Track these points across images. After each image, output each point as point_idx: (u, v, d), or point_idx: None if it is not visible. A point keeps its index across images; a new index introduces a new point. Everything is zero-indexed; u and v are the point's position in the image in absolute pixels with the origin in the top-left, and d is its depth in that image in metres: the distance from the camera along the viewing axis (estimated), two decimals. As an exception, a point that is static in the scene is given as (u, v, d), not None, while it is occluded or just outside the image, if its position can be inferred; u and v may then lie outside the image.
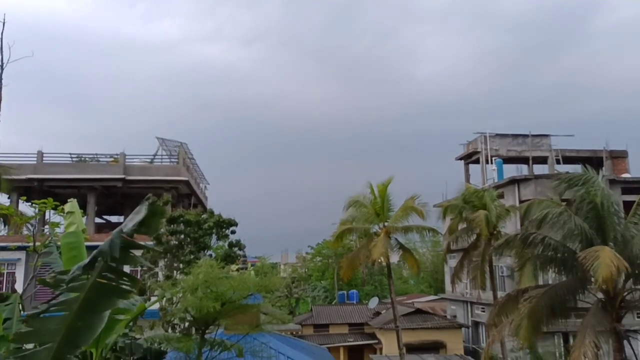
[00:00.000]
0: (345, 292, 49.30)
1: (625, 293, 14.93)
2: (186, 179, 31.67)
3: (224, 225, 26.59)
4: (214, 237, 26.39)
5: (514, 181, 30.32)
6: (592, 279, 12.91)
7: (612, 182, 27.06)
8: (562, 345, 23.89)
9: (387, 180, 27.57)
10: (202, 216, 26.34)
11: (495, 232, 25.66)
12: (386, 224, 27.22)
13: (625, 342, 14.90)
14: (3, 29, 9.90)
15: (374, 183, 27.71)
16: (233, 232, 27.20)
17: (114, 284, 5.03)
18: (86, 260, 4.76)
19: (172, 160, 33.13)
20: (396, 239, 28.13)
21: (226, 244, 27.08)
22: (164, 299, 13.26)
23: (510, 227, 27.89)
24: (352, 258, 28.97)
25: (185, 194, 34.09)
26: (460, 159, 39.73)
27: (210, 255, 25.80)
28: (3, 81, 10.74)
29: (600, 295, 14.95)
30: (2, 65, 10.66)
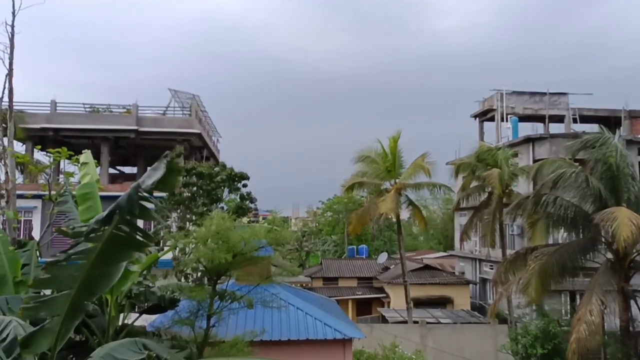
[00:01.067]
0: (355, 246, 49.93)
1: (635, 254, 14.95)
2: (199, 131, 31.66)
3: (236, 178, 26.77)
4: (226, 190, 26.64)
5: (529, 140, 29.90)
6: (607, 239, 12.89)
7: (629, 142, 26.56)
8: (568, 303, 24.17)
9: (396, 134, 27.36)
10: (215, 169, 26.49)
11: (507, 190, 25.57)
12: (397, 180, 27.24)
13: (632, 302, 15.04)
14: (13, -25, 9.71)
15: (388, 137, 27.54)
16: (245, 186, 27.41)
17: (130, 236, 5.15)
18: (104, 214, 4.85)
19: (185, 112, 33.04)
20: (407, 196, 28.22)
21: (238, 197, 27.36)
22: (177, 249, 13.53)
23: (523, 185, 27.74)
24: (362, 213, 29.19)
25: (198, 146, 34.18)
26: (476, 116, 39.16)
27: (222, 208, 26.13)
28: (15, 28, 10.62)
29: (609, 255, 14.99)
30: (13, 13, 10.51)
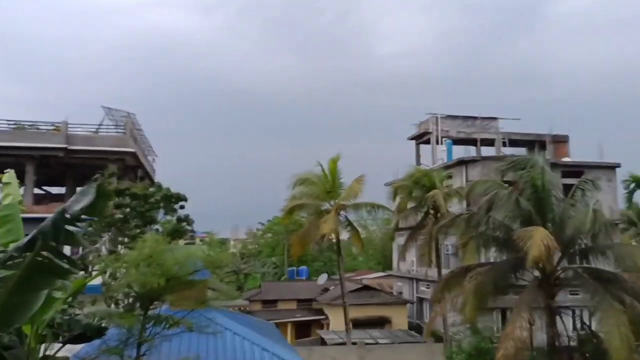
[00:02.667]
0: (295, 268, 49.62)
1: (559, 271, 15.72)
2: (133, 150, 30.66)
3: (172, 199, 26.07)
4: (162, 211, 25.85)
5: (462, 162, 31.11)
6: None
7: (554, 165, 28.20)
8: (500, 321, 25.01)
9: (335, 156, 27.70)
10: (150, 189, 25.68)
11: (441, 213, 26.36)
12: (336, 201, 27.45)
13: (557, 318, 15.74)
14: None
15: (328, 158, 27.78)
16: (182, 207, 26.72)
17: (53, 263, 4.84)
18: (25, 240, 4.55)
19: (119, 130, 31.96)
20: (346, 217, 28.47)
21: (174, 219, 26.60)
22: (107, 273, 12.91)
23: (457, 207, 28.69)
24: (303, 235, 29.13)
25: (132, 166, 33.04)
26: (412, 139, 40.36)
27: (157, 230, 25.30)
28: None
29: (537, 273, 15.66)
30: None
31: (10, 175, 9.06)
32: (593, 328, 16.48)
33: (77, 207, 4.67)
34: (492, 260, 17.69)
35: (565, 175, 28.60)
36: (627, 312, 12.98)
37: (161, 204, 25.30)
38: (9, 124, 29.73)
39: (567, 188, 17.46)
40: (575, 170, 29.38)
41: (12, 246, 4.72)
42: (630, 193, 38.56)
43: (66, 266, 5.04)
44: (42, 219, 4.57)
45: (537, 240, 12.88)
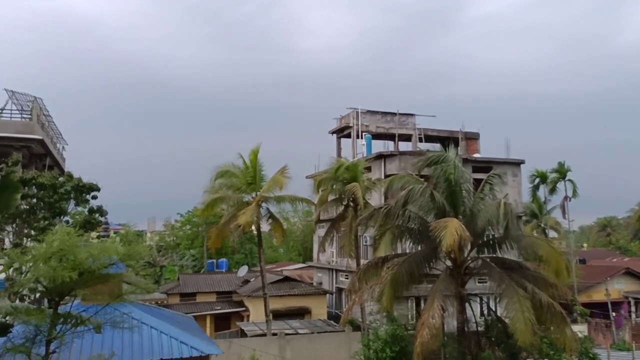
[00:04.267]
0: (214, 260, 48.89)
1: (469, 261, 16.70)
2: (40, 137, 28.68)
3: (84, 189, 24.71)
4: (72, 202, 24.48)
5: (381, 156, 32.05)
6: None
7: (465, 161, 29.79)
8: (414, 308, 26.14)
9: (256, 147, 27.54)
10: (59, 179, 24.21)
11: (361, 204, 27.04)
12: (258, 193, 27.34)
13: (467, 304, 16.72)
14: None
15: (247, 152, 27.55)
16: (94, 198, 25.40)
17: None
18: None
19: (25, 116, 29.78)
20: (268, 208, 28.43)
21: (86, 210, 25.29)
22: (11, 268, 12.04)
23: (376, 199, 29.57)
24: (222, 227, 28.71)
25: (39, 154, 30.92)
26: (333, 132, 40.96)
27: (68, 222, 23.97)
28: None
29: (448, 263, 16.54)
30: None
31: None
32: (499, 314, 17.64)
33: (-19, 197, 4.35)
34: (407, 251, 18.42)
35: (475, 170, 30.31)
36: (529, 298, 14.04)
37: (72, 195, 23.94)
38: None
39: (477, 182, 18.51)
40: (485, 166, 31.22)
41: None
42: (536, 187, 41.66)
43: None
44: None
45: (452, 229, 13.61)
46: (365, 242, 30.39)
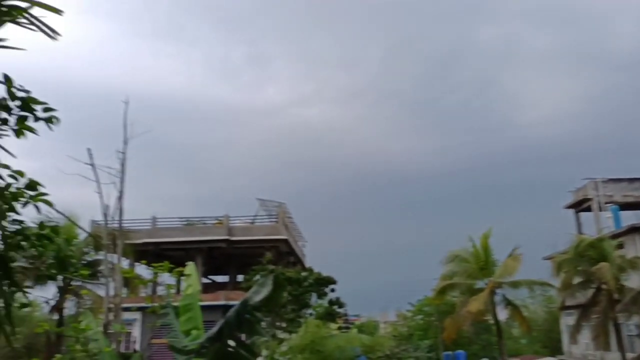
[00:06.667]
0: (450, 352, 46.71)
1: None
2: (285, 237, 32.45)
3: (323, 282, 26.74)
4: (313, 295, 26.53)
5: (635, 229, 27.73)
6: None
7: None
8: None
9: (487, 231, 26.47)
10: (302, 274, 26.68)
11: (618, 285, 23.44)
12: (491, 278, 25.88)
13: None
14: (126, 109, 11.04)
15: (476, 235, 26.70)
16: (332, 290, 27.21)
17: (236, 352, 5.30)
18: (214, 330, 5.08)
19: (272, 220, 34.24)
20: (503, 295, 26.56)
21: (326, 302, 27.07)
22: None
23: (635, 279, 25.32)
24: (456, 316, 27.63)
25: (285, 252, 34.82)
26: (570, 207, 37.25)
27: (311, 314, 25.88)
28: (127, 154, 11.77)
29: None
30: (125, 141, 11.73)
31: (191, 267, 10.17)
32: None
33: (257, 298, 5.10)
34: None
35: None
36: None
37: (313, 288, 26.06)
38: (180, 221, 33.54)
39: None
40: None
41: (202, 338, 5.27)
42: None
43: (246, 354, 5.46)
44: (211, 307, 5.08)
45: None
46: (630, 331, 25.83)
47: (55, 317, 19.70)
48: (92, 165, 10.29)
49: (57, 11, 3.19)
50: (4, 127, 3.74)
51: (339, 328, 30.84)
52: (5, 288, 2.16)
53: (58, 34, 3.26)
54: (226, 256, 34.00)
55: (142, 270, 29.39)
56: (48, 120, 3.89)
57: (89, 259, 20.20)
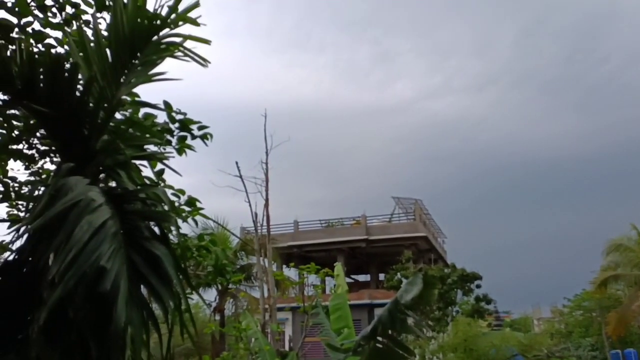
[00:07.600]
0: (619, 351, 42.28)
1: None
2: (424, 234, 31.96)
3: (467, 278, 25.79)
4: (459, 292, 25.71)
5: None
6: None
7: None
8: None
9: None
10: (445, 271, 26.00)
11: None
12: (664, 268, 23.00)
13: None
14: (265, 122, 11.66)
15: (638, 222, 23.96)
16: (478, 287, 26.12)
17: (391, 350, 5.37)
18: (368, 329, 5.20)
19: (409, 217, 33.95)
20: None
21: (472, 299, 26.08)
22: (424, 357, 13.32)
23: None
24: (622, 311, 25.01)
25: (425, 249, 34.28)
26: None
27: (457, 312, 25.14)
28: (269, 164, 12.46)
29: None
30: (267, 152, 12.40)
31: (338, 267, 10.49)
32: None
33: (408, 297, 5.10)
34: None
35: None
36: None
37: (457, 285, 25.28)
38: (321, 223, 34.70)
39: None
40: None
41: (358, 336, 5.41)
42: None
43: (402, 352, 5.49)
44: (356, 306, 5.17)
45: None
46: None
47: (217, 317, 21.51)
48: (240, 176, 11.08)
49: (206, 42, 3.49)
50: (168, 147, 4.24)
51: (489, 325, 29.59)
52: (179, 290, 2.42)
53: (208, 61, 3.57)
54: (366, 255, 34.42)
55: (289, 272, 30.93)
56: (203, 137, 4.36)
57: (242, 263, 21.75)
